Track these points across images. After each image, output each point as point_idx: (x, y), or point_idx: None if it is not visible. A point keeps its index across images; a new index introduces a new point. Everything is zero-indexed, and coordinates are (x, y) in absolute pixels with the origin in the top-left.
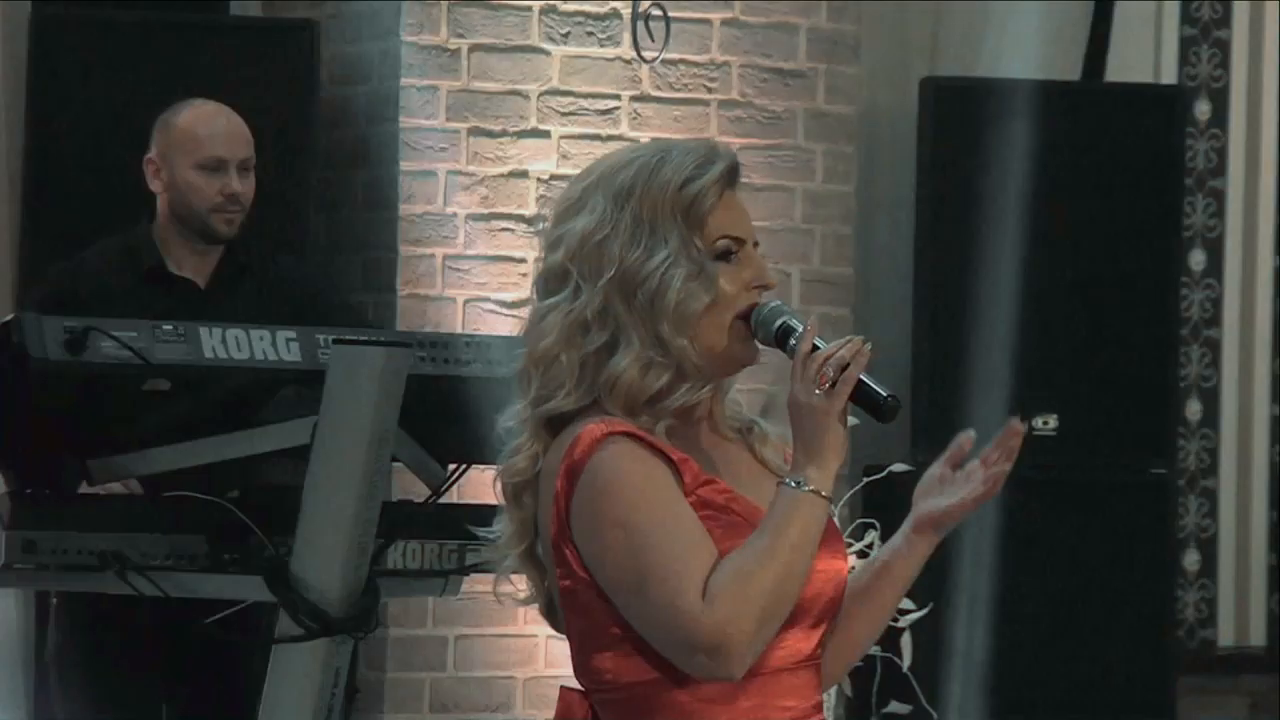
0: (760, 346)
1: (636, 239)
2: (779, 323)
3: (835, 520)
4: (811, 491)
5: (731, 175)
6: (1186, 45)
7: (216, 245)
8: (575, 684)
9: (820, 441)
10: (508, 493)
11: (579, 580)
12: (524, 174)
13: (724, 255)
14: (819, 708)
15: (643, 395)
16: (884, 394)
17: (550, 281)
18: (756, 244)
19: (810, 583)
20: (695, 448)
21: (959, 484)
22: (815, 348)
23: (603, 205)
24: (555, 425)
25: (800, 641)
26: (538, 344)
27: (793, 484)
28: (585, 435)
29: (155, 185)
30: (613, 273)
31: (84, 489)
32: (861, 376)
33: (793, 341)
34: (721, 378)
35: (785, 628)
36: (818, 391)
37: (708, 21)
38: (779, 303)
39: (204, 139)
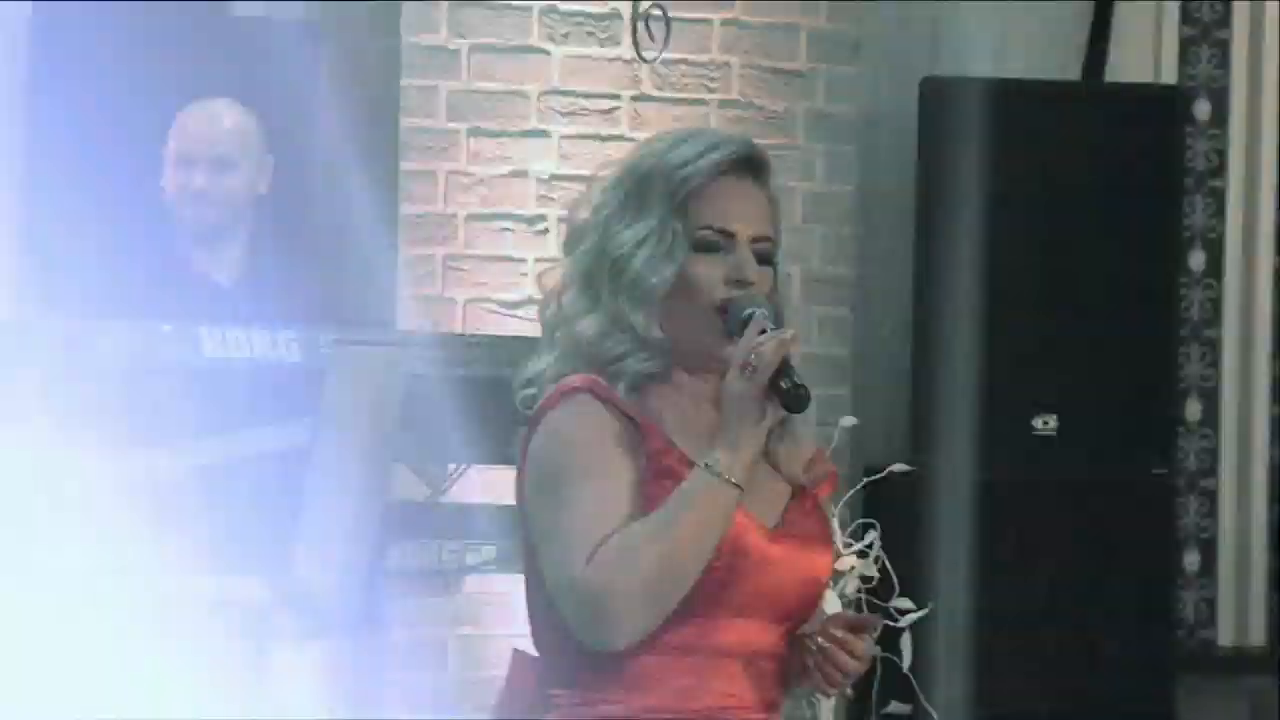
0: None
1: (624, 212)
2: (746, 314)
3: (834, 521)
4: (717, 476)
5: (734, 165)
6: (1186, 45)
7: (214, 242)
8: (527, 648)
9: (734, 425)
10: None
11: (527, 534)
12: (524, 174)
13: (704, 246)
14: (770, 706)
15: (601, 359)
16: (791, 383)
17: (564, 249)
18: (765, 240)
19: (766, 573)
20: (681, 415)
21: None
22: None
23: (613, 179)
24: None
25: (757, 633)
26: (543, 310)
27: (703, 466)
28: (557, 388)
29: None
30: (595, 239)
31: None
32: (782, 366)
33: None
34: (697, 366)
35: (739, 615)
36: (741, 377)
37: (708, 21)
38: (761, 300)
39: (178, 135)
